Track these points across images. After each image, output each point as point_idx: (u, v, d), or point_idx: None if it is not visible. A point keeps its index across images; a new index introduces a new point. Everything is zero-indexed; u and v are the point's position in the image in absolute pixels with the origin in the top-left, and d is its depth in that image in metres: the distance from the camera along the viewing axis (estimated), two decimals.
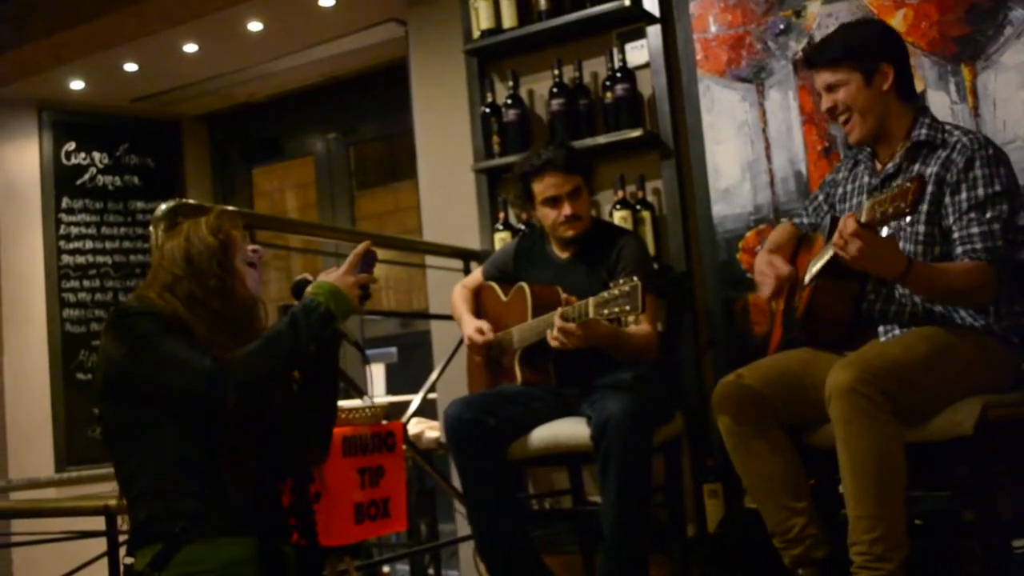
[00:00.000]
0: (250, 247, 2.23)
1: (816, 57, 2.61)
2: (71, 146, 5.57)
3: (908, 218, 2.37)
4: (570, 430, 2.86)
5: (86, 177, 5.60)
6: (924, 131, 2.51)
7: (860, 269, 2.32)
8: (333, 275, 2.14)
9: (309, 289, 2.13)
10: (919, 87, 3.17)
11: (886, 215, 2.13)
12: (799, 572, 2.43)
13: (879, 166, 2.62)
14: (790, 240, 2.86)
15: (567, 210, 3.04)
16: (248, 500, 2.03)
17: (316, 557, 2.21)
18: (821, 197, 2.83)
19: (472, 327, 3.14)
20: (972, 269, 2.34)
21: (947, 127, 2.53)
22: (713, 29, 3.58)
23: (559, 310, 2.76)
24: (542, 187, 3.06)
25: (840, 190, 2.74)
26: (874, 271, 2.34)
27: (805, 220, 2.87)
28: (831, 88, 2.56)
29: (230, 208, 2.48)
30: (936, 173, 2.44)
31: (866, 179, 2.64)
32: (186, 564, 1.94)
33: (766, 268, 2.74)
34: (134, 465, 2.02)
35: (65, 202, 5.51)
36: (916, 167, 2.49)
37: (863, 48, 2.54)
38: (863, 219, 2.19)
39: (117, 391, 2.05)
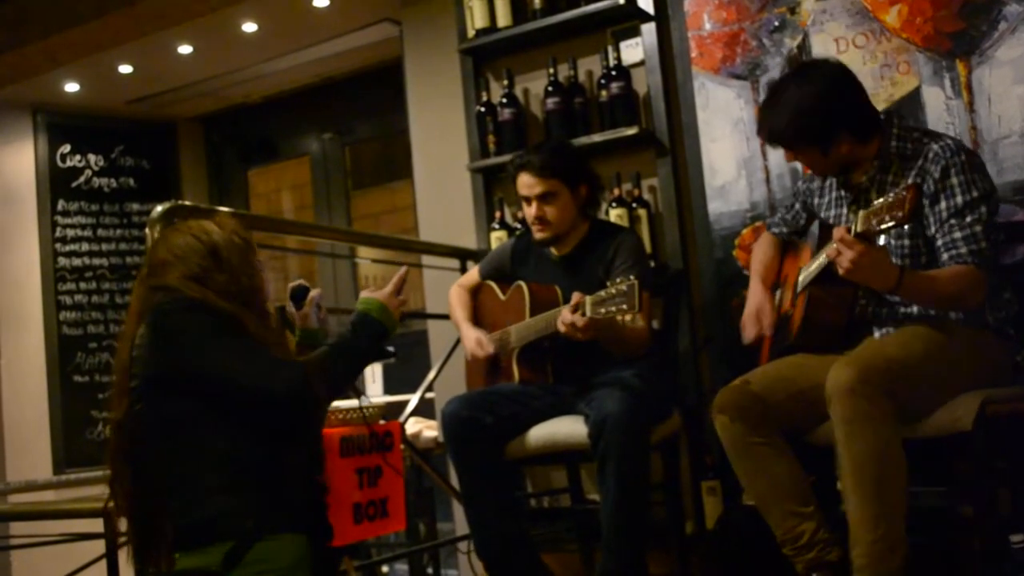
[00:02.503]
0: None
1: (768, 135, 2.56)
2: (66, 148, 5.57)
3: (906, 227, 2.34)
4: (568, 428, 2.86)
5: (82, 179, 5.59)
6: (894, 144, 2.49)
7: (853, 281, 2.31)
8: (379, 293, 2.23)
9: (359, 305, 2.21)
10: (913, 84, 3.18)
11: (883, 223, 2.11)
12: None
13: (851, 179, 2.59)
14: (776, 255, 2.89)
15: (534, 211, 3.04)
16: (302, 497, 2.07)
17: (335, 554, 2.26)
18: (798, 205, 2.84)
19: (472, 340, 3.12)
20: (961, 273, 2.33)
21: (915, 135, 2.50)
22: (708, 26, 3.58)
23: (572, 302, 2.73)
24: (518, 186, 3.08)
25: (818, 199, 2.73)
26: (866, 283, 2.33)
27: (785, 230, 2.89)
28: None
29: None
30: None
31: (842, 191, 2.63)
32: (259, 562, 1.94)
33: (753, 316, 2.79)
34: (191, 462, 2.01)
35: (61, 204, 5.51)
36: (890, 178, 2.49)
37: (813, 128, 2.46)
38: (858, 229, 2.19)
39: (168, 389, 2.02)
